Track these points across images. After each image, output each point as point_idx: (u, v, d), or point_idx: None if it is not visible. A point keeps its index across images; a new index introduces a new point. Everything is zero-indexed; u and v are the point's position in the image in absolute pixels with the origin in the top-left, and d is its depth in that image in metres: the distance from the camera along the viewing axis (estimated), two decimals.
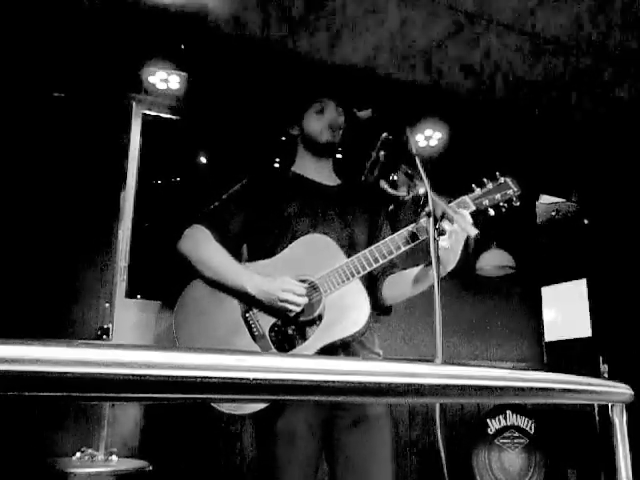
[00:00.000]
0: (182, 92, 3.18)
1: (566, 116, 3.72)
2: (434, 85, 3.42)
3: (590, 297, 4.40)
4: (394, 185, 1.45)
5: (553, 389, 0.76)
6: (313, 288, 1.50)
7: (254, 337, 1.50)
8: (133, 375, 0.44)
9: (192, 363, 0.47)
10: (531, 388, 0.73)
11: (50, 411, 2.54)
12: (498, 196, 1.50)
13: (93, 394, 0.44)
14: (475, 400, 1.19)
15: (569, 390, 0.78)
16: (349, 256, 1.52)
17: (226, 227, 1.63)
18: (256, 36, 3.01)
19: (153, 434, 2.68)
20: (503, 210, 1.51)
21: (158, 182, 3.65)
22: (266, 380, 0.50)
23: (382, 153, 1.35)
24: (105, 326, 2.73)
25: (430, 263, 1.23)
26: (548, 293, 4.55)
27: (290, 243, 1.57)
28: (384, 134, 1.35)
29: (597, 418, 3.74)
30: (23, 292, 2.60)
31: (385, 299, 1.66)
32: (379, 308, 1.67)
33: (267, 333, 1.50)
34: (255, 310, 1.52)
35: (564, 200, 4.58)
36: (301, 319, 1.48)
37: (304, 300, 1.47)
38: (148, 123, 3.18)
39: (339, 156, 1.80)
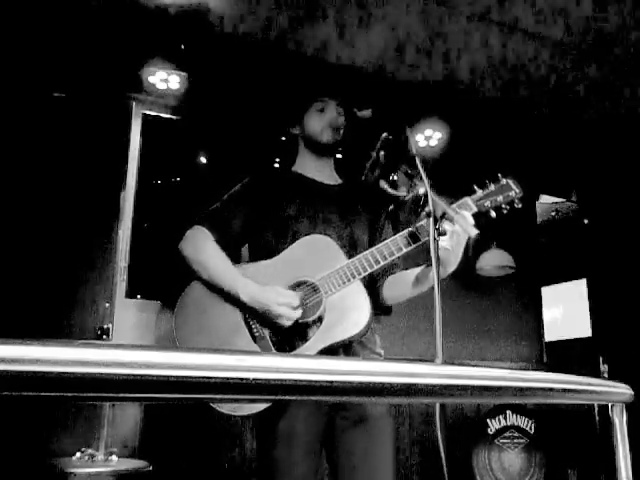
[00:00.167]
0: (182, 92, 3.18)
1: (566, 116, 3.72)
2: (434, 85, 3.41)
3: (590, 297, 4.40)
4: (394, 185, 1.44)
5: (553, 389, 0.76)
6: (313, 289, 1.50)
7: (254, 338, 1.50)
8: (133, 375, 0.44)
9: (192, 363, 0.47)
10: (531, 388, 0.73)
11: (50, 411, 2.54)
12: (500, 198, 1.49)
13: (93, 394, 0.44)
14: (475, 400, 1.19)
15: (569, 390, 0.78)
16: (350, 256, 1.51)
17: (227, 228, 1.63)
18: (256, 36, 3.01)
19: (153, 434, 2.68)
20: (504, 212, 1.50)
21: (158, 182, 3.64)
22: (266, 380, 0.50)
23: (382, 153, 1.35)
24: (105, 326, 2.74)
25: (431, 264, 1.23)
26: (548, 293, 4.55)
27: (291, 243, 1.56)
28: (384, 134, 1.35)
29: (597, 418, 3.74)
30: (23, 292, 2.60)
31: (385, 299, 1.66)
32: (379, 308, 1.66)
33: (267, 334, 1.50)
34: None
35: (564, 200, 4.58)
36: (301, 321, 1.48)
37: (299, 314, 1.47)
38: (148, 123, 3.18)
39: (339, 156, 1.80)
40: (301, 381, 0.52)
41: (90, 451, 2.32)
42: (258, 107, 3.24)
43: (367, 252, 1.49)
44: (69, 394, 0.43)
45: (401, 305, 1.69)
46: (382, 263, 1.49)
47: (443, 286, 1.14)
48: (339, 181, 1.77)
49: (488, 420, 3.30)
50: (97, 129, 2.95)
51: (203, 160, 3.68)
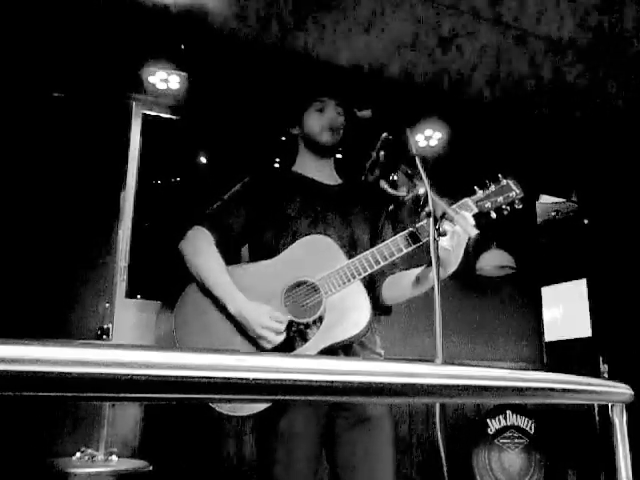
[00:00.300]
0: (182, 92, 3.18)
1: (566, 116, 3.72)
2: (434, 85, 3.41)
3: (590, 297, 4.39)
4: (394, 185, 1.44)
5: (553, 389, 0.76)
6: (314, 289, 1.50)
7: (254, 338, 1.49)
8: (133, 375, 0.44)
9: (192, 363, 0.47)
10: (531, 388, 0.73)
11: (50, 411, 2.54)
12: (500, 199, 1.49)
13: (93, 394, 0.44)
14: (475, 400, 1.19)
15: (569, 390, 0.78)
16: (350, 256, 1.51)
17: (227, 228, 1.63)
18: (256, 36, 3.01)
19: (153, 434, 2.68)
20: (505, 213, 1.50)
21: (158, 182, 3.65)
22: (266, 380, 0.50)
23: (382, 153, 1.35)
24: (105, 326, 2.74)
25: (431, 264, 1.22)
26: (548, 293, 4.55)
27: (291, 243, 1.56)
28: (384, 134, 1.34)
29: (597, 418, 3.74)
30: (23, 292, 2.60)
31: (385, 299, 1.66)
32: (379, 308, 1.66)
33: None
34: None
35: (564, 200, 4.58)
36: (301, 321, 1.48)
37: (281, 339, 1.46)
38: (148, 123, 3.18)
39: (339, 156, 1.79)
40: (301, 381, 0.52)
41: (90, 451, 2.32)
42: (258, 107, 3.24)
43: (367, 252, 1.49)
44: (69, 394, 0.43)
45: (401, 305, 1.69)
46: (382, 263, 1.48)
47: (443, 286, 1.14)
48: (339, 181, 1.77)
49: (488, 420, 3.30)
50: (97, 129, 2.96)
51: (203, 160, 3.68)
